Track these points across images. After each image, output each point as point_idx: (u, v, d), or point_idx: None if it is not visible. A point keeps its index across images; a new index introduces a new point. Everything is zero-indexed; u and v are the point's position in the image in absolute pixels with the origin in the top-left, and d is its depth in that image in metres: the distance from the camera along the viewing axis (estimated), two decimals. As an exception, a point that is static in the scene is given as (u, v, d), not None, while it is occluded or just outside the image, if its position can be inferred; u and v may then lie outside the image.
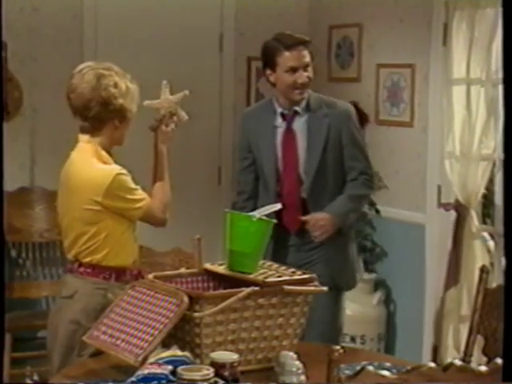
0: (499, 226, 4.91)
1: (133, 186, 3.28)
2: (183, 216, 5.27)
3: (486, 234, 5.07)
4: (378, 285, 5.50)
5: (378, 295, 5.43)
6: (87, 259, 3.28)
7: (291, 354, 2.79)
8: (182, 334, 2.88)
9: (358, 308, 5.37)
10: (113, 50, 5.30)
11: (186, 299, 2.79)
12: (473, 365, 2.36)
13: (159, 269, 3.65)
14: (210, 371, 2.63)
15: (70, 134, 3.39)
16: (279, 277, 3.04)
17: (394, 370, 2.54)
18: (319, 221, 3.82)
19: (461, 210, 5.01)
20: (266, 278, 2.99)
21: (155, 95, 3.44)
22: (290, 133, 3.92)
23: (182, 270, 3.20)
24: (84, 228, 3.26)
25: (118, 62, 3.40)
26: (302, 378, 2.74)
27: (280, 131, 3.94)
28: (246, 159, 4.06)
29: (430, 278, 5.20)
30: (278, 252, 3.85)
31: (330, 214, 3.84)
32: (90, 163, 3.27)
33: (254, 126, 4.00)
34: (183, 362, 2.67)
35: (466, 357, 3.43)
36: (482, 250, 5.00)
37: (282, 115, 3.93)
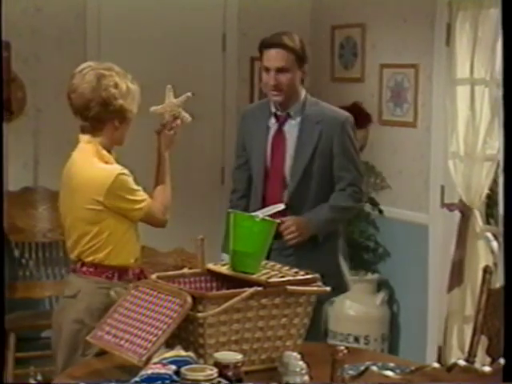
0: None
1: (134, 186, 3.28)
2: (186, 216, 5.28)
3: (489, 235, 5.06)
4: (382, 285, 5.50)
5: (382, 295, 5.43)
6: (90, 258, 3.29)
7: (295, 354, 2.78)
8: (185, 334, 2.87)
9: (362, 308, 5.38)
10: (116, 49, 5.30)
11: (189, 299, 2.79)
12: (477, 365, 2.36)
13: (162, 269, 3.65)
14: (214, 371, 2.63)
15: (73, 134, 3.39)
16: (282, 277, 3.03)
17: (398, 371, 2.55)
18: (291, 225, 3.72)
19: (464, 210, 5.00)
20: (268, 278, 2.99)
21: (158, 95, 3.44)
22: (280, 134, 3.85)
23: (185, 270, 3.19)
24: (86, 228, 3.27)
25: (120, 62, 3.40)
26: (306, 378, 2.74)
27: (271, 132, 3.87)
28: (241, 157, 4.01)
29: (434, 279, 5.19)
30: None
31: (305, 220, 3.75)
32: (91, 163, 3.27)
33: (250, 124, 3.95)
34: (187, 362, 2.66)
35: (470, 357, 3.43)
36: (486, 250, 4.99)
37: (276, 116, 3.86)
